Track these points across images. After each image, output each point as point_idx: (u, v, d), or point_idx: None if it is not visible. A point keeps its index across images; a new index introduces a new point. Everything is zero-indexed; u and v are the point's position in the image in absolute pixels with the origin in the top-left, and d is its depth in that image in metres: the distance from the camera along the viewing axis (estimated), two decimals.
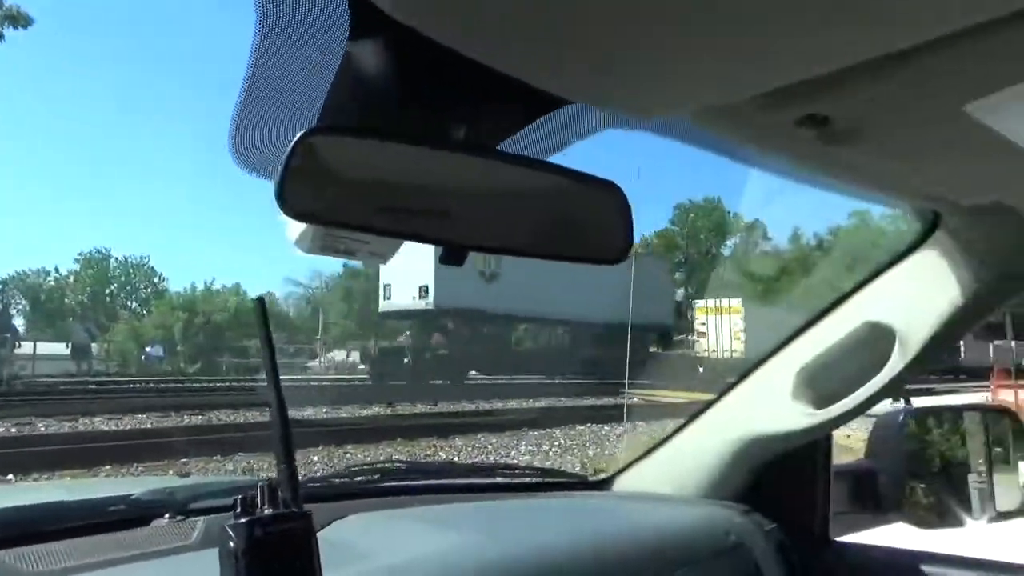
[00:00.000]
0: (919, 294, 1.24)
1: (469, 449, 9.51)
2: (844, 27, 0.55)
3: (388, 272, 21.25)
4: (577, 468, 7.87)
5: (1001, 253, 1.17)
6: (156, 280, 50.98)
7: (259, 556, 0.68)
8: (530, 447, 9.77)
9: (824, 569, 1.49)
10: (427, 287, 20.83)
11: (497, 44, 0.56)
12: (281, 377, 0.76)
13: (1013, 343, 23.24)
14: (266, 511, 0.70)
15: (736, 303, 24.62)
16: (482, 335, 23.57)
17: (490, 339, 23.85)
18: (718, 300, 25.20)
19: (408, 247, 0.82)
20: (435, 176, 0.68)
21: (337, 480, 1.65)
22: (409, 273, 19.62)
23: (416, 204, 0.68)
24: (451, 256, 0.71)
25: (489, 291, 20.96)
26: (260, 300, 0.79)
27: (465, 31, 0.54)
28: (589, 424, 11.87)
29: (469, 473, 1.81)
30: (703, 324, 25.33)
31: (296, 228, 0.84)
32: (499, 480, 1.64)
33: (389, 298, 22.86)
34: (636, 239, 0.74)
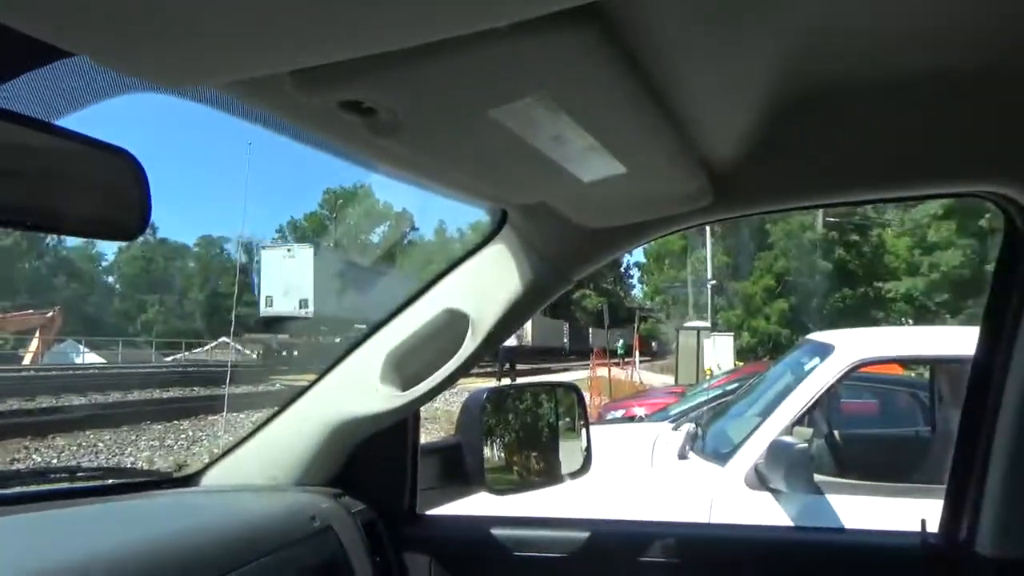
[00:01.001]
0: (489, 284, 1.36)
1: (74, 448, 8.29)
2: (374, 11, 0.55)
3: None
4: (206, 459, 7.32)
5: (552, 249, 1.33)
6: None
7: None
8: (152, 442, 8.87)
9: (411, 543, 1.57)
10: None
11: None
12: None
13: (606, 331, 27.79)
14: None
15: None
16: None
17: None
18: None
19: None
20: None
21: None
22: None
23: None
24: None
25: None
26: None
27: None
28: (232, 413, 11.14)
29: (32, 478, 1.53)
30: None
31: None
32: (63, 487, 1.42)
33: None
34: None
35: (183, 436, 9.85)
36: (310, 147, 0.91)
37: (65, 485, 1.43)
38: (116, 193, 0.64)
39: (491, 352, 1.45)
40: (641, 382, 20.00)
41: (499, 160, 0.92)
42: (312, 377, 1.54)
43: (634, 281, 60.93)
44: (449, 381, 1.40)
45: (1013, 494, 1.34)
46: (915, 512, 1.50)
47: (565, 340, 44.37)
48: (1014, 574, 1.33)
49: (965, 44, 0.88)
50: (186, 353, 38.29)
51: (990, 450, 1.36)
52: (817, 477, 3.28)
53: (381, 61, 0.63)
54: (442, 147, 0.85)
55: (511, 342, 19.86)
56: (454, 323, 1.38)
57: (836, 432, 4.43)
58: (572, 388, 2.03)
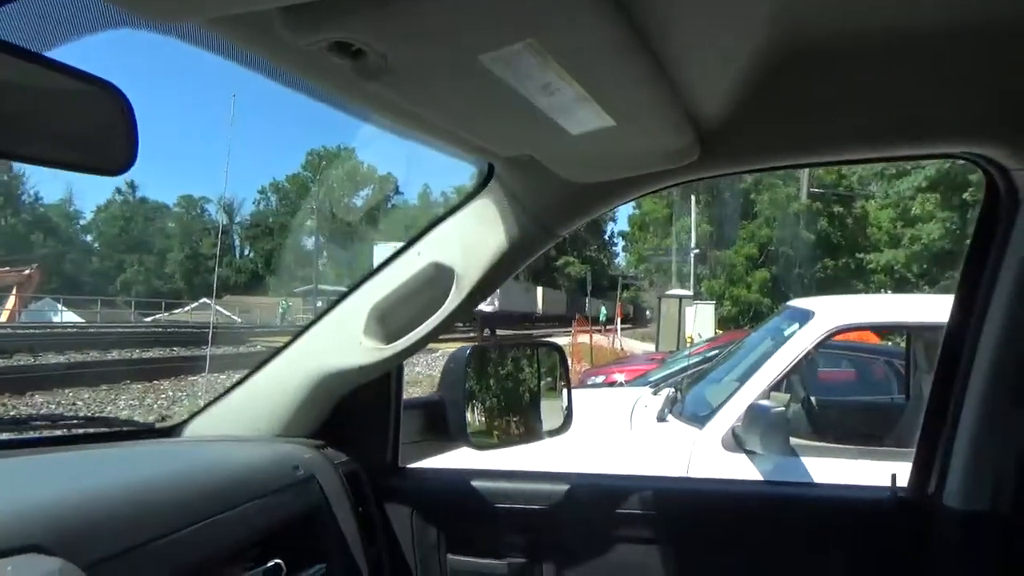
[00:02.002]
0: (475, 239, 1.36)
1: (53, 406, 8.27)
2: None
3: None
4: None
5: (538, 204, 1.33)
6: None
7: None
8: (131, 401, 8.84)
9: (392, 494, 1.59)
10: None
11: None
12: None
13: (588, 299, 27.98)
14: None
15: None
16: None
17: None
18: None
19: None
20: None
21: None
22: None
23: None
24: None
25: None
26: None
27: None
28: (213, 374, 11.11)
29: (12, 426, 1.52)
30: None
31: None
32: (44, 435, 1.42)
33: None
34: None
35: (163, 396, 9.84)
36: (296, 91, 0.90)
37: (46, 434, 1.43)
38: (102, 126, 0.63)
39: (475, 306, 1.46)
40: (622, 349, 20.17)
41: (488, 109, 0.91)
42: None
43: (618, 249, 61.08)
44: (433, 335, 1.41)
45: (981, 450, 1.38)
46: (887, 474, 1.54)
47: (538, 306, 43.75)
48: (979, 524, 1.38)
49: (949, 4, 0.88)
50: (166, 314, 38.08)
51: (961, 407, 1.40)
52: (793, 440, 3.35)
53: (372, 1, 0.63)
54: (431, 93, 0.85)
55: (488, 307, 19.95)
56: (439, 277, 1.39)
57: (813, 398, 4.51)
58: (554, 347, 2.04)
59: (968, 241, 1.43)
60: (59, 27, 0.61)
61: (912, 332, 4.38)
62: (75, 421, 1.44)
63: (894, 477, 1.52)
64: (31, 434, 1.44)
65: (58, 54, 0.60)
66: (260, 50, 0.74)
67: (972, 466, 1.39)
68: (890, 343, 7.05)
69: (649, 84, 0.91)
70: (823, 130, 1.19)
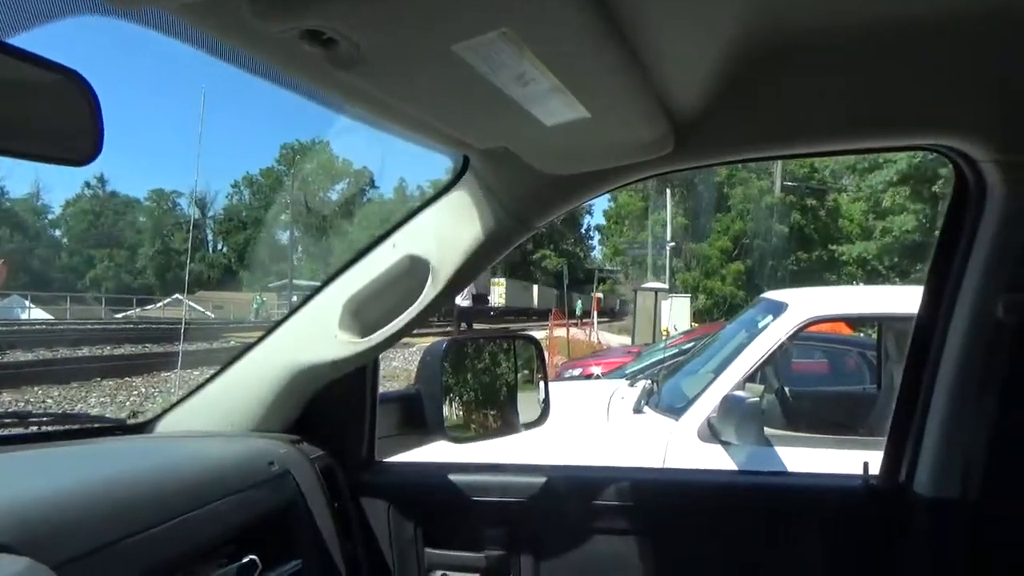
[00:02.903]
0: (450, 231, 1.35)
1: (21, 404, 8.12)
2: None
3: None
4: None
5: (513, 196, 1.33)
6: None
7: None
8: (103, 399, 8.71)
9: (368, 488, 1.58)
10: None
11: None
12: None
13: (566, 292, 28.20)
14: None
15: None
16: None
17: None
18: None
19: None
20: None
21: None
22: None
23: None
24: None
25: None
26: None
27: None
28: (186, 370, 10.96)
29: None
30: None
31: None
32: (15, 432, 1.39)
33: None
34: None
35: (135, 392, 9.70)
36: (269, 82, 0.89)
37: (15, 431, 1.40)
38: (66, 115, 0.61)
39: (451, 299, 1.45)
40: (599, 342, 20.24)
41: (462, 100, 0.91)
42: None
43: (594, 243, 61.39)
44: (409, 328, 1.40)
45: (951, 438, 1.40)
46: (860, 462, 1.56)
47: (534, 302, 44.79)
48: (949, 511, 1.40)
49: None
50: (137, 310, 37.58)
51: (931, 396, 1.42)
52: (767, 430, 3.39)
53: None
54: (404, 83, 0.84)
55: (465, 302, 19.93)
56: (414, 270, 1.38)
57: (787, 388, 4.57)
58: (531, 340, 2.04)
59: (938, 233, 1.45)
60: (20, 13, 0.59)
61: (883, 323, 4.44)
62: (44, 418, 1.41)
63: (866, 465, 1.54)
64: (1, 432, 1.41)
65: (20, 41, 0.59)
66: (231, 38, 0.72)
67: (942, 454, 1.41)
68: (862, 334, 7.15)
69: (624, 75, 0.91)
70: (796, 122, 1.20)
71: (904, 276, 24.40)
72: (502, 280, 40.65)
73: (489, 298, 37.52)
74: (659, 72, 0.98)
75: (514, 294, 42.70)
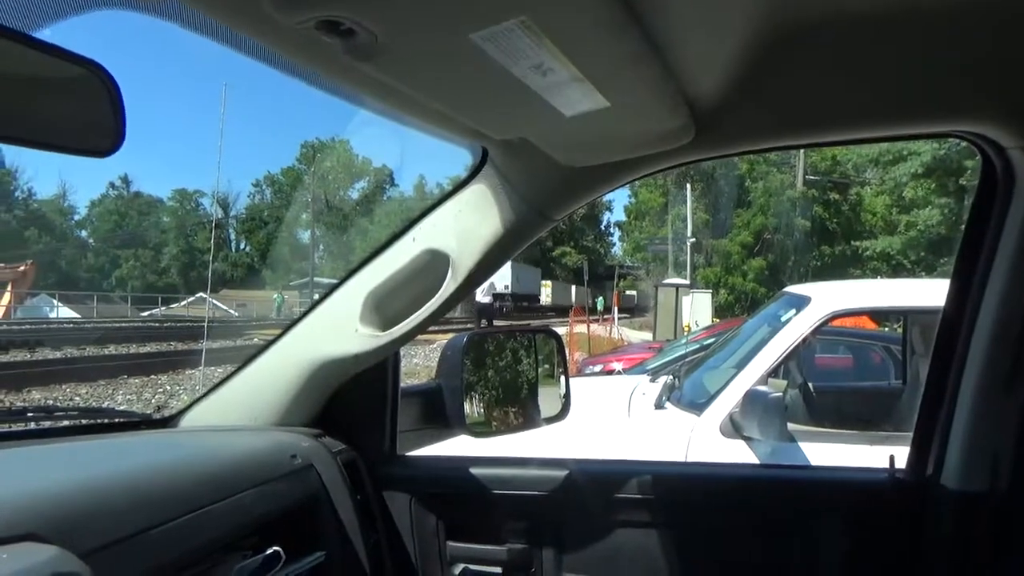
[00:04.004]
0: (470, 224, 1.35)
1: (50, 402, 8.25)
2: None
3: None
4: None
5: (532, 188, 1.32)
6: None
7: None
8: (129, 396, 8.83)
9: (391, 482, 1.59)
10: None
11: None
12: None
13: (587, 288, 28.11)
14: None
15: None
16: None
17: None
18: None
19: None
20: None
21: None
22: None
23: None
24: None
25: None
26: None
27: None
28: (210, 367, 11.08)
29: (8, 417, 1.52)
30: None
31: None
32: (40, 427, 1.42)
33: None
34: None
35: (161, 390, 9.83)
36: (288, 75, 0.90)
37: (43, 425, 1.43)
38: (88, 107, 0.62)
39: (471, 292, 1.45)
40: (620, 338, 20.18)
41: (481, 90, 0.90)
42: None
43: (614, 239, 61.24)
44: (429, 321, 1.41)
45: (977, 431, 1.38)
46: (885, 458, 1.54)
47: (572, 299, 47.31)
48: (976, 506, 1.38)
49: None
50: (162, 308, 38.07)
51: (958, 389, 1.40)
52: (790, 426, 3.35)
53: None
54: (423, 74, 0.84)
55: (486, 299, 19.97)
56: (434, 263, 1.38)
57: (810, 383, 4.52)
58: (551, 334, 2.04)
59: (963, 226, 1.42)
60: (41, 6, 0.59)
61: (909, 316, 4.38)
62: (71, 412, 1.43)
63: (892, 459, 1.52)
64: (27, 425, 1.44)
65: (43, 34, 0.59)
66: (248, 30, 0.73)
67: (969, 447, 1.39)
68: (887, 328, 7.06)
69: (643, 63, 0.90)
70: (817, 110, 1.18)
71: (930, 271, 24.03)
72: (548, 282, 49.84)
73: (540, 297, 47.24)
74: (678, 61, 0.97)
75: (558, 294, 50.47)
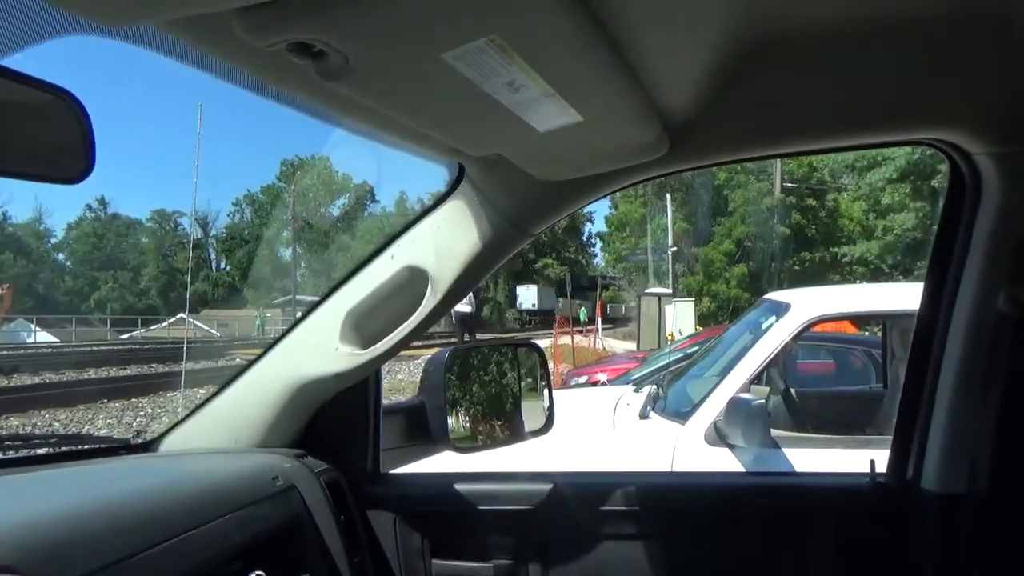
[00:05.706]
0: (448, 240, 1.35)
1: (29, 428, 8.12)
2: None
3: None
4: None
5: (510, 203, 1.33)
6: None
7: None
8: (109, 420, 8.71)
9: (375, 500, 1.57)
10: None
11: None
12: None
13: (571, 300, 28.22)
14: None
15: None
16: None
17: None
18: None
19: None
20: None
21: None
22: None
23: None
24: None
25: None
26: None
27: None
28: (191, 389, 10.94)
29: None
30: None
31: None
32: (18, 455, 1.39)
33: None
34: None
35: (142, 412, 9.70)
36: (261, 96, 0.89)
37: (20, 453, 1.40)
38: (58, 134, 0.62)
39: (451, 308, 1.45)
40: (604, 348, 20.22)
41: (454, 108, 0.91)
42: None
43: (596, 250, 61.49)
44: (410, 338, 1.40)
45: (956, 435, 1.40)
46: (867, 462, 1.55)
47: (533, 306, 48.17)
48: (956, 507, 1.40)
49: None
50: (142, 330, 37.65)
51: (935, 392, 1.42)
52: (774, 432, 3.37)
53: (329, 1, 0.62)
54: (395, 93, 0.84)
55: (466, 308, 19.89)
56: (413, 280, 1.38)
57: (793, 389, 4.55)
58: (534, 348, 2.03)
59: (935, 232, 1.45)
60: (6, 33, 0.59)
61: (888, 320, 4.43)
62: (50, 440, 1.41)
63: (873, 463, 1.53)
64: (4, 454, 1.41)
65: (10, 61, 0.59)
66: (220, 53, 0.73)
67: (948, 450, 1.40)
68: (867, 333, 7.13)
69: (614, 78, 0.91)
70: (789, 121, 1.20)
71: (908, 274, 24.30)
72: (533, 287, 50.48)
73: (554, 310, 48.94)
74: (650, 74, 0.98)
75: (543, 298, 50.85)
